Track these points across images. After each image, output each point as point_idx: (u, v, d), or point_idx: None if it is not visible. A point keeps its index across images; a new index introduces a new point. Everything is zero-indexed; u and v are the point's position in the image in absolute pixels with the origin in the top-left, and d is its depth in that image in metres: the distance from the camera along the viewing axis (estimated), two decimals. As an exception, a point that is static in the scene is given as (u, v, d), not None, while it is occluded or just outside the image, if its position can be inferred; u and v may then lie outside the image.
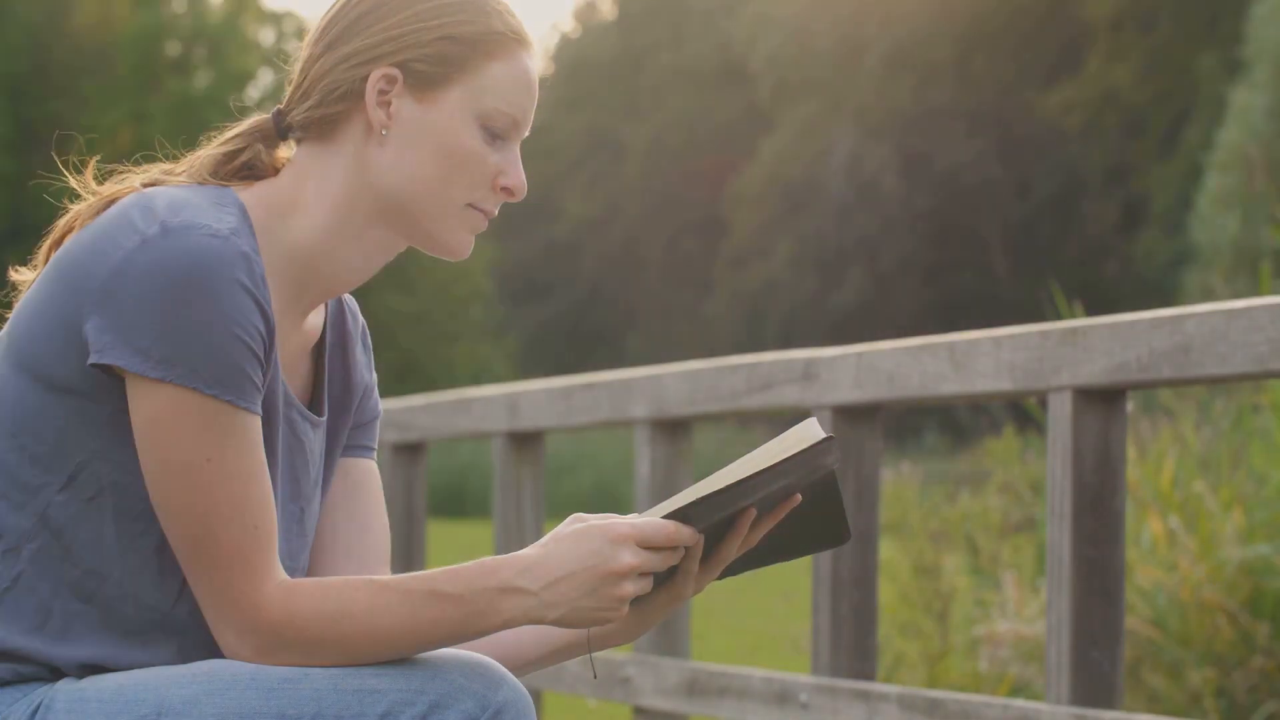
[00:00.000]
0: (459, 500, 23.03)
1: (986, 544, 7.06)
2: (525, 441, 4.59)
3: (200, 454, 1.99)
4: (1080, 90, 32.60)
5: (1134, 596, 5.22)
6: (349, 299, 2.28)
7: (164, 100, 29.80)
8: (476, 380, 30.92)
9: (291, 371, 2.17)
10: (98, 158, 2.20)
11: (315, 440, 2.19)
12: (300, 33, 33.69)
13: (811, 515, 2.13)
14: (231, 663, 2.04)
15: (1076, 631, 3.04)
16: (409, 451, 5.07)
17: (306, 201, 2.12)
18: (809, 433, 2.05)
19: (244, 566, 2.01)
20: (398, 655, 2.03)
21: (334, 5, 2.17)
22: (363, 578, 2.04)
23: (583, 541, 2.03)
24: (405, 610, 2.01)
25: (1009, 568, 6.69)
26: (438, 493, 21.96)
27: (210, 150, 2.17)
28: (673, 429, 4.08)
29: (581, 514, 2.07)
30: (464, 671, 2.00)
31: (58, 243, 2.16)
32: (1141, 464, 5.67)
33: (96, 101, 29.79)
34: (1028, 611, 5.97)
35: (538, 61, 2.21)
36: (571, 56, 45.64)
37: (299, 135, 2.15)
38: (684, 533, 2.04)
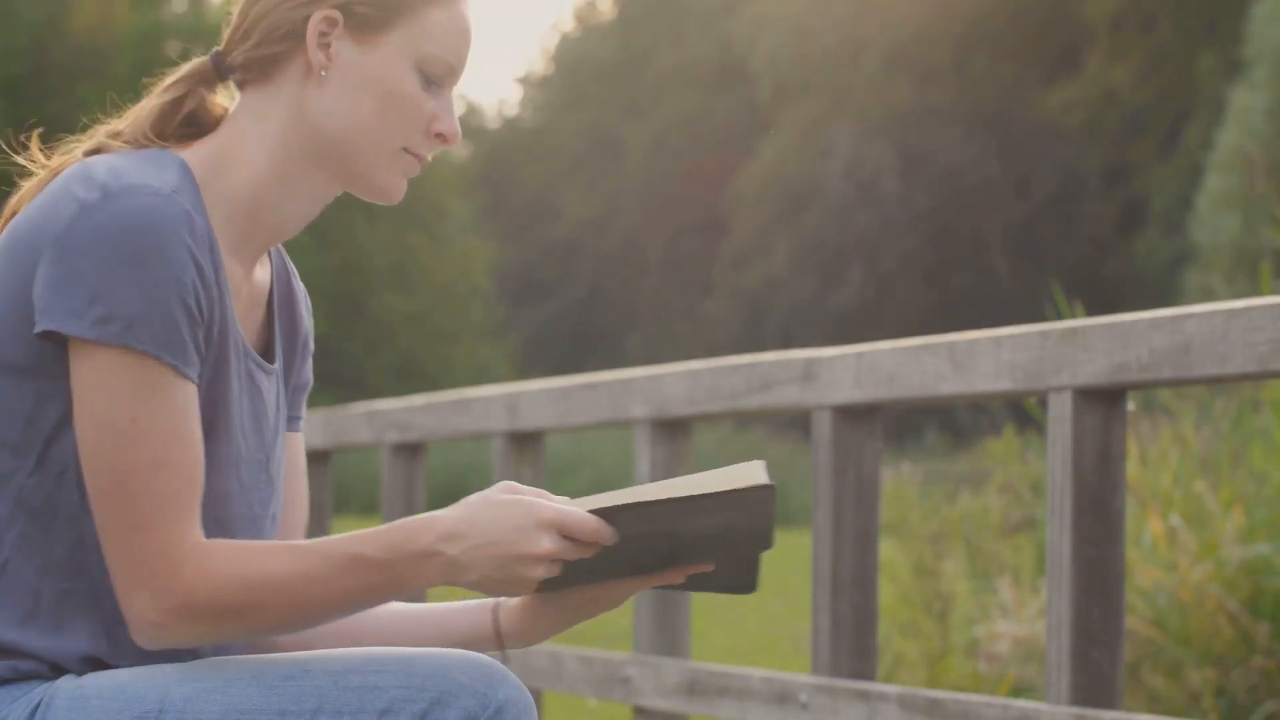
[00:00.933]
0: (459, 500, 23.01)
1: (986, 544, 7.06)
2: (525, 441, 4.59)
3: (127, 412, 1.99)
4: (1080, 90, 32.59)
5: (1134, 596, 5.22)
6: (289, 261, 2.29)
7: (164, 100, 29.72)
8: (476, 380, 30.92)
9: (246, 323, 2.18)
10: (40, 130, 2.21)
11: (271, 388, 2.19)
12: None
13: (732, 557, 2.12)
14: (232, 660, 2.04)
15: (1076, 631, 3.04)
16: (409, 451, 5.07)
17: (246, 149, 2.13)
18: (752, 473, 2.04)
19: (161, 528, 2.00)
20: (312, 618, 2.03)
21: None
22: (280, 542, 2.04)
23: (508, 515, 2.04)
24: (324, 574, 2.01)
25: (1009, 568, 6.69)
26: (438, 493, 21.90)
27: (153, 100, 2.18)
28: (673, 429, 4.08)
29: (514, 484, 2.08)
30: (465, 669, 2.00)
31: (4, 224, 2.17)
32: (1142, 464, 5.67)
33: (95, 101, 29.75)
34: (1027, 612, 5.97)
35: (473, 9, 2.22)
36: (571, 56, 45.62)
37: (238, 77, 2.17)
38: (604, 532, 2.05)
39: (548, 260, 42.55)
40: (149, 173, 2.04)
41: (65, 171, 2.08)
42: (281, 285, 2.25)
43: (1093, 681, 3.05)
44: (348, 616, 2.07)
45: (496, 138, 46.00)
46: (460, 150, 43.51)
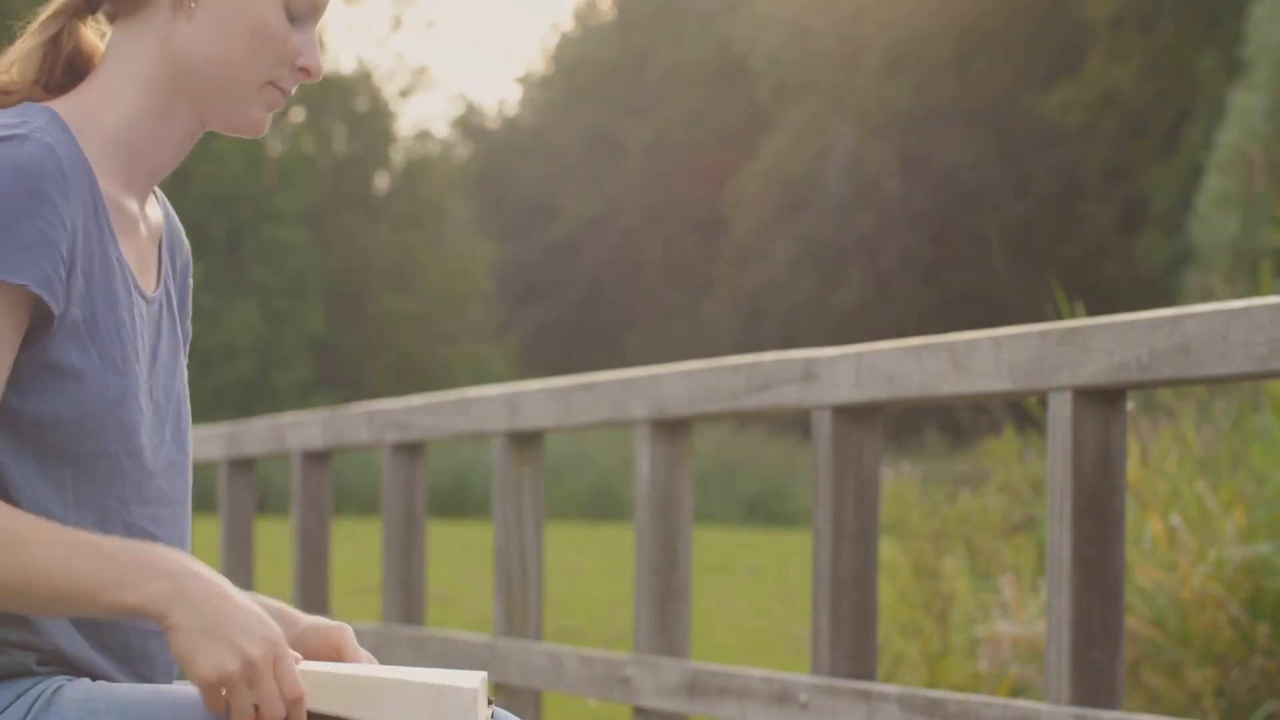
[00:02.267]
0: (459, 500, 23.04)
1: (986, 544, 7.06)
2: (525, 441, 4.60)
3: None
4: (1080, 90, 32.60)
5: (1134, 596, 5.22)
6: (168, 203, 2.32)
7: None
8: (476, 380, 30.92)
9: (141, 263, 2.20)
10: None
11: (154, 317, 2.21)
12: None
13: None
14: None
15: (1076, 631, 3.04)
16: (409, 451, 5.07)
17: (118, 87, 2.17)
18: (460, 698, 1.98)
19: None
20: (26, 596, 1.98)
21: None
22: (21, 511, 2.02)
23: (256, 610, 2.00)
24: (60, 551, 1.97)
25: (1009, 568, 6.69)
26: (438, 493, 21.96)
27: (29, 40, 2.21)
28: (673, 429, 4.08)
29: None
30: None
31: None
32: (1143, 464, 5.67)
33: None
34: (1028, 612, 5.97)
35: None
36: (571, 56, 45.62)
37: (109, 9, 2.20)
38: (293, 711, 1.99)
39: (548, 260, 42.56)
40: (8, 116, 2.08)
41: None
42: (170, 234, 2.29)
43: (1093, 681, 3.05)
44: (52, 605, 2.00)
45: (496, 138, 46.00)
46: (460, 150, 43.53)
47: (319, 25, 2.24)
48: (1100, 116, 32.27)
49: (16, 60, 2.20)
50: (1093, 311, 4.94)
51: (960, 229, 34.24)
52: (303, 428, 5.56)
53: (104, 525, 2.09)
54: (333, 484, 5.71)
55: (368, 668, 2.05)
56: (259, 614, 1.99)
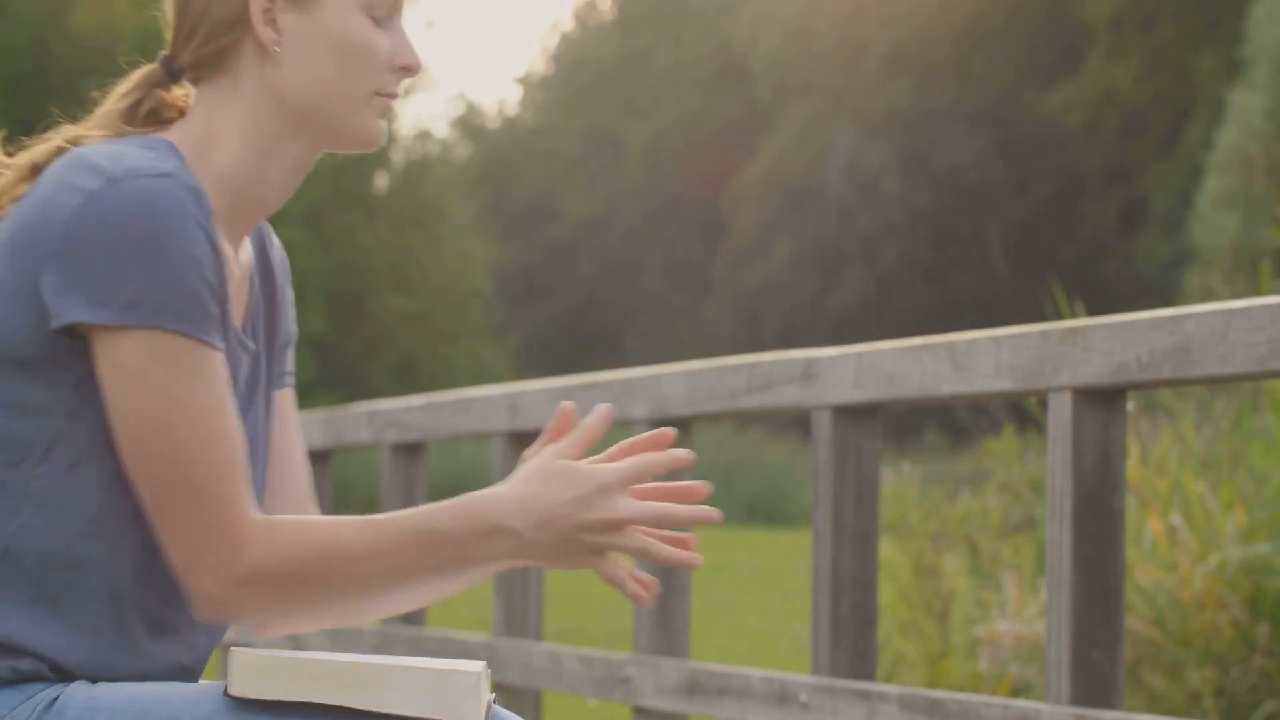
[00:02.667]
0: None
1: (986, 544, 7.06)
2: (525, 441, 4.59)
3: (170, 394, 1.99)
4: (1080, 90, 32.60)
5: (1134, 596, 5.22)
6: (266, 226, 2.29)
7: (164, 100, 29.72)
8: (476, 380, 30.91)
9: (234, 301, 2.17)
10: (3, 133, 2.20)
11: (247, 367, 2.20)
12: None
13: None
14: None
15: (1076, 631, 3.04)
16: (409, 451, 5.07)
17: (220, 134, 2.13)
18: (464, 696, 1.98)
19: (222, 505, 1.99)
20: (378, 592, 2.02)
21: None
22: (348, 516, 2.04)
23: (571, 485, 2.04)
24: (394, 545, 2.01)
25: (1009, 568, 6.68)
26: (438, 493, 21.86)
27: (110, 105, 2.18)
28: (672, 429, 4.08)
29: (563, 447, 2.08)
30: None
31: None
32: (1144, 464, 5.67)
33: (96, 101, 29.73)
34: (1028, 611, 5.96)
35: None
36: (571, 56, 45.62)
37: (192, 75, 2.17)
38: (662, 458, 2.07)
39: (548, 260, 42.56)
40: (145, 155, 2.04)
41: (55, 165, 2.07)
42: (261, 260, 2.26)
43: (1093, 681, 3.05)
44: (413, 594, 2.05)
45: (496, 138, 46.00)
46: (460, 150, 43.52)
47: (404, 17, 2.20)
48: (1100, 116, 32.28)
49: (98, 125, 2.17)
50: (1093, 311, 4.93)
51: (960, 229, 34.24)
52: (303, 427, 5.56)
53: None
54: (333, 484, 5.70)
55: (368, 657, 2.05)
56: (574, 490, 2.03)
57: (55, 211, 2.01)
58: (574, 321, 41.87)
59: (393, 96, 2.17)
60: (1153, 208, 30.99)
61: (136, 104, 2.17)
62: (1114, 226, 32.35)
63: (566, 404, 2.11)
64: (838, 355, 3.54)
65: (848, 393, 3.51)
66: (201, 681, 2.05)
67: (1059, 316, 6.07)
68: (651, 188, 40.70)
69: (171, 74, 2.18)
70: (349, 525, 2.02)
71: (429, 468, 5.22)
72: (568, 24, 48.83)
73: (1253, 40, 23.34)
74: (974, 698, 3.19)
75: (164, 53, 2.19)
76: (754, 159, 37.39)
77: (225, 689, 1.99)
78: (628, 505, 2.05)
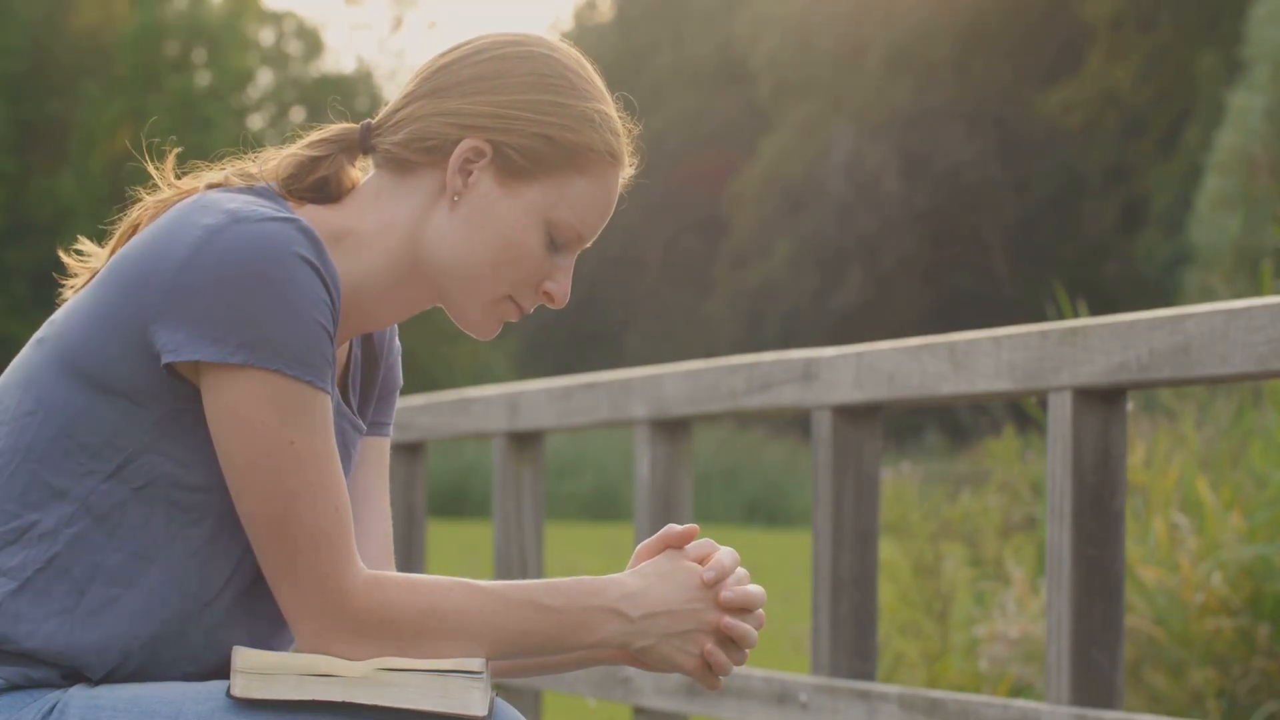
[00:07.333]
0: (459, 500, 23.02)
1: (986, 544, 7.05)
2: (525, 441, 4.59)
3: (283, 437, 1.97)
4: (1080, 90, 32.59)
5: (1135, 596, 5.22)
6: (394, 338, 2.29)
7: (164, 99, 29.80)
8: (476, 380, 30.90)
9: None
10: (179, 150, 2.18)
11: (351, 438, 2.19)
12: (300, 32, 33.72)
13: None
14: None
15: (1076, 631, 3.04)
16: (409, 451, 5.06)
17: (363, 234, 2.11)
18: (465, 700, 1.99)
19: (330, 551, 1.99)
20: (482, 655, 2.02)
21: (456, 51, 2.16)
22: (454, 578, 2.03)
23: (686, 585, 2.08)
24: (497, 615, 2.02)
25: (1009, 567, 6.68)
26: (438, 493, 21.94)
27: (294, 150, 2.15)
28: (673, 429, 4.08)
29: (673, 533, 2.11)
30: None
31: (121, 243, 2.14)
32: (1145, 465, 5.67)
33: (96, 100, 29.79)
34: (1028, 611, 5.96)
35: (628, 173, 2.19)
36: (571, 56, 45.56)
37: (378, 160, 2.14)
38: (758, 598, 2.10)
39: (548, 260, 42.50)
40: (268, 206, 2.02)
41: (184, 202, 2.05)
42: (365, 342, 2.24)
43: (1093, 681, 3.05)
44: (517, 661, 2.09)
45: (496, 138, 45.94)
46: (460, 150, 43.52)
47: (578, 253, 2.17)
48: (1100, 116, 32.27)
49: (275, 160, 2.15)
50: (1093, 311, 4.94)
51: (960, 229, 34.23)
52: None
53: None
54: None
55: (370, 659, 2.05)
56: (688, 590, 2.08)
57: (170, 248, 1.99)
58: (574, 321, 41.86)
59: (523, 310, 2.13)
60: (1153, 208, 30.98)
61: (318, 160, 2.13)
62: (1114, 226, 32.34)
63: (692, 527, 2.13)
64: (838, 355, 3.54)
65: (848, 393, 3.51)
66: (204, 681, 2.04)
67: (1059, 316, 6.07)
68: (651, 188, 40.67)
69: (364, 146, 2.14)
70: (457, 589, 2.01)
71: (429, 468, 5.22)
72: (567, 24, 48.83)
73: (1253, 41, 23.33)
74: (974, 698, 3.19)
75: (369, 120, 2.15)
76: (754, 159, 37.38)
77: (228, 689, 1.99)
78: (731, 621, 2.09)
